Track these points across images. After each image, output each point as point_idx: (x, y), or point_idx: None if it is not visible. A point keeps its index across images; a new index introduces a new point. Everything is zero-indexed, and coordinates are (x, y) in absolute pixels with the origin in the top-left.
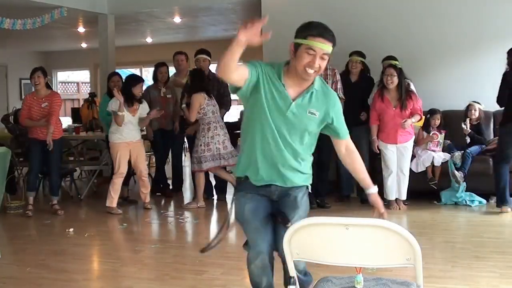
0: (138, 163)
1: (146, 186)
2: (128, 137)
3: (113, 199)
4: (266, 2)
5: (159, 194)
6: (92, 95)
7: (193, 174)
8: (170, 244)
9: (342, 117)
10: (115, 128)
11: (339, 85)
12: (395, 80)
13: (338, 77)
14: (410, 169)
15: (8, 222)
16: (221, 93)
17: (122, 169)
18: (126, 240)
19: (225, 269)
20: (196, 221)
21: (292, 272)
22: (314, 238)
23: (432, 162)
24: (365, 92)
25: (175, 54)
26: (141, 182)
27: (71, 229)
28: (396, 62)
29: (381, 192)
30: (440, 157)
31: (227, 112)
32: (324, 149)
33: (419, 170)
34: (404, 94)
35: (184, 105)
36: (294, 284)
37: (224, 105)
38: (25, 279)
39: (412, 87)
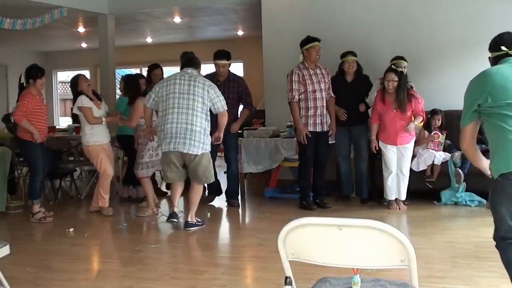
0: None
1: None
2: (104, 138)
3: (104, 199)
4: (266, 2)
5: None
6: None
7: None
8: (170, 244)
9: None
10: (91, 129)
11: (329, 85)
12: (395, 84)
13: (329, 76)
14: (411, 169)
15: (8, 222)
16: (242, 95)
17: (109, 171)
18: (126, 240)
19: (225, 269)
20: None
21: (288, 272)
22: (308, 238)
23: (433, 161)
24: (362, 91)
25: (151, 68)
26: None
27: (71, 229)
28: (405, 62)
29: (381, 192)
30: (440, 156)
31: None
32: (322, 149)
33: (420, 169)
34: (404, 98)
35: None
36: (290, 284)
37: (248, 105)
38: (25, 279)
39: (414, 89)
